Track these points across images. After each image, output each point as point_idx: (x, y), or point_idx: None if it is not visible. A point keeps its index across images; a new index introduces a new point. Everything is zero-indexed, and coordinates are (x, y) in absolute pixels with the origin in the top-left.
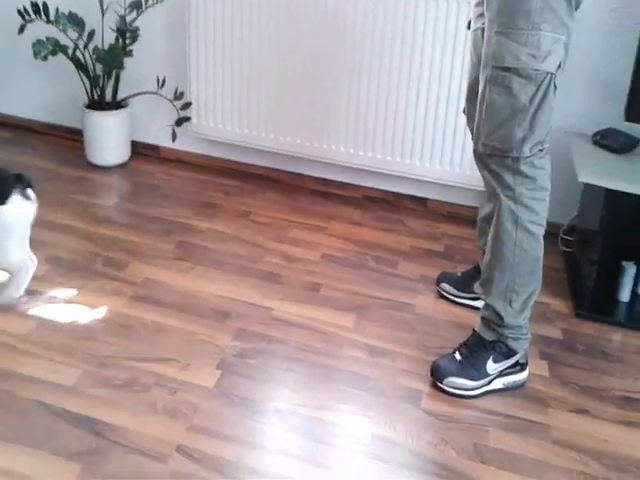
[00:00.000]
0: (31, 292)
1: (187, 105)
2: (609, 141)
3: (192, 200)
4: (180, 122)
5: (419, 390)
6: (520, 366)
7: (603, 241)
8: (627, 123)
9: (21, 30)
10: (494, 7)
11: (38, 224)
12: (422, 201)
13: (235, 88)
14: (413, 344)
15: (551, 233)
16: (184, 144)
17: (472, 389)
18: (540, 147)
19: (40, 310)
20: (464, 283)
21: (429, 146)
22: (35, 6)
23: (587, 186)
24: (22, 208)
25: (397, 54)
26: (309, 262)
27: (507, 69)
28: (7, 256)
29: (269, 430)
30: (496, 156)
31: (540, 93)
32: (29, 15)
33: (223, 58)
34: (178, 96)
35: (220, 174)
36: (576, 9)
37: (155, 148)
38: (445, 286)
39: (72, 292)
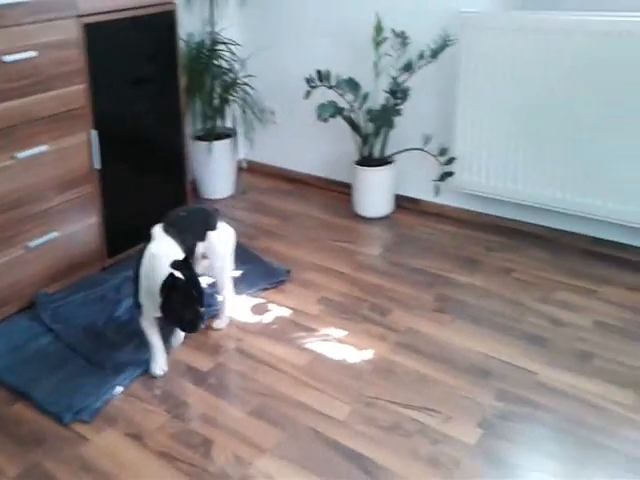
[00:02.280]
0: (308, 329)
1: (451, 160)
2: None
3: (452, 254)
4: (444, 177)
5: None
6: None
7: None
8: None
9: (307, 95)
10: None
11: (312, 267)
12: None
13: (501, 144)
14: None
15: None
16: (445, 198)
17: None
18: None
19: (315, 345)
20: None
21: None
22: (320, 73)
23: None
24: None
25: None
26: (579, 327)
27: None
28: None
29: None
30: None
31: None
32: (314, 82)
33: (490, 114)
34: (442, 152)
35: (481, 229)
36: None
37: (416, 201)
38: None
39: (342, 332)
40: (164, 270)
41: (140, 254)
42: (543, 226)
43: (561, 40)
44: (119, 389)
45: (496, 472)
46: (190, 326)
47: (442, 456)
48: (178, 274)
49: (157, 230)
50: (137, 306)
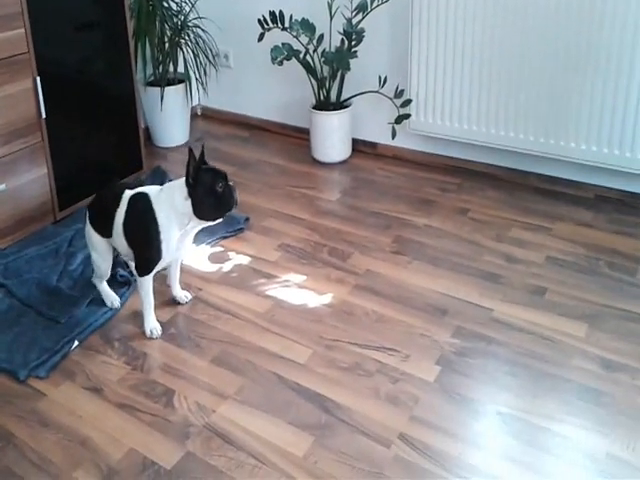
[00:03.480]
0: (268, 276)
1: (407, 102)
2: None
3: (409, 196)
4: (400, 119)
5: None
6: None
7: None
8: None
9: (260, 38)
10: None
11: (271, 214)
12: None
13: (456, 84)
14: None
15: None
16: (402, 141)
17: None
18: None
19: (275, 292)
20: None
21: None
22: (273, 15)
23: None
24: None
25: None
26: (532, 264)
27: None
28: None
29: (491, 433)
30: None
31: None
32: (267, 24)
33: (445, 55)
34: (398, 94)
35: (437, 170)
36: None
37: (374, 145)
38: None
39: (302, 277)
40: (178, 186)
41: (137, 217)
42: (499, 166)
43: None
44: (76, 343)
45: (454, 407)
46: (231, 200)
47: (402, 394)
48: (206, 166)
49: (128, 191)
50: (150, 263)
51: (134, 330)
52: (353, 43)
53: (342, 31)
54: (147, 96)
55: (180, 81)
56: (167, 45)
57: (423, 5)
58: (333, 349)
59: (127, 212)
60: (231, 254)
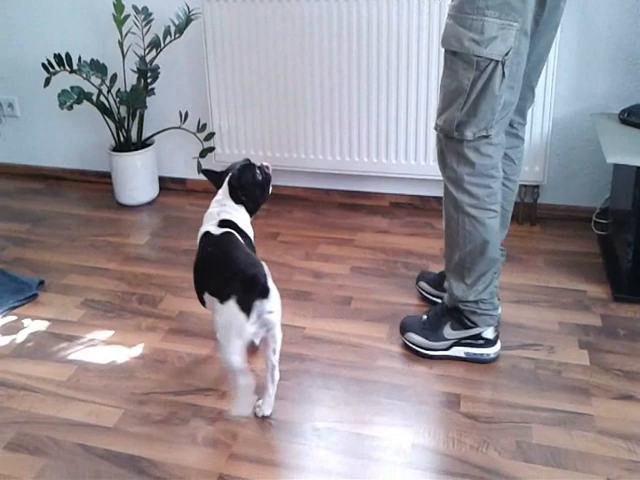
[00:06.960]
0: (70, 338)
1: (210, 136)
2: (636, 117)
3: None
4: (204, 153)
5: (457, 394)
6: (485, 341)
7: (637, 221)
8: None
9: (47, 83)
10: None
11: (72, 270)
12: None
13: (256, 113)
14: None
15: (584, 218)
16: None
17: (428, 349)
18: (485, 133)
19: (79, 354)
20: (440, 281)
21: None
22: (58, 57)
23: (617, 166)
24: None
25: (414, 65)
26: (338, 276)
27: (453, 53)
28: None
29: (308, 450)
30: (444, 136)
31: (483, 79)
32: (53, 67)
33: (242, 85)
34: (201, 128)
35: None
36: None
37: (182, 181)
38: (423, 285)
39: (109, 333)
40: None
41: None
42: (304, 187)
43: (297, 5)
44: None
45: (272, 434)
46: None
47: (220, 434)
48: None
49: None
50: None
51: None
52: (149, 80)
53: (136, 69)
54: None
55: None
56: None
57: (217, 37)
58: (146, 404)
59: None
60: (26, 322)
